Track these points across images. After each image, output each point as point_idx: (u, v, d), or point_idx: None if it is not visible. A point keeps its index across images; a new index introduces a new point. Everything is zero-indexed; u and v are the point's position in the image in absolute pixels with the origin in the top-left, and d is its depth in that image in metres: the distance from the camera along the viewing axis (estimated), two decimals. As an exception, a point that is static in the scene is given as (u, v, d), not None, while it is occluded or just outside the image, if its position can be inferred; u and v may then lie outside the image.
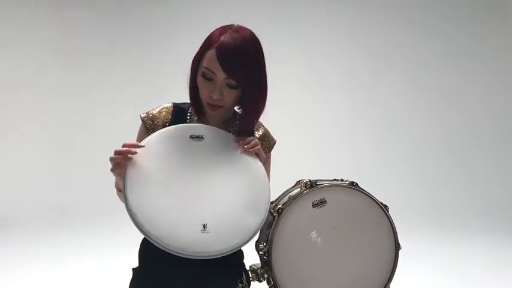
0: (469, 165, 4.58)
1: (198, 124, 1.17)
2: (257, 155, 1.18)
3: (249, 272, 1.18)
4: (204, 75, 1.11)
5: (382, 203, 1.21)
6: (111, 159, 1.02)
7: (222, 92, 1.11)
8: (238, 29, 1.11)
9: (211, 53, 1.08)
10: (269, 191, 1.14)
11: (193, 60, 1.16)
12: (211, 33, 1.13)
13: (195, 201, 1.05)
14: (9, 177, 4.09)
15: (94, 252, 2.95)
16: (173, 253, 0.99)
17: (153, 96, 3.75)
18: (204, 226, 1.02)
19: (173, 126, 1.14)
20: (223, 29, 1.11)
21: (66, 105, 4.64)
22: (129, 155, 1.02)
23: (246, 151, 1.15)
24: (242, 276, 1.19)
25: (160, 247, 0.98)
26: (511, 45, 4.61)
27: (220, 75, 1.09)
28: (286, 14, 4.75)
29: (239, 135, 1.21)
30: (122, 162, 1.02)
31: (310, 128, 4.71)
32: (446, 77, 4.71)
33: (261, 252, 1.13)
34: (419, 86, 4.74)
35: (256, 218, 1.08)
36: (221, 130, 1.17)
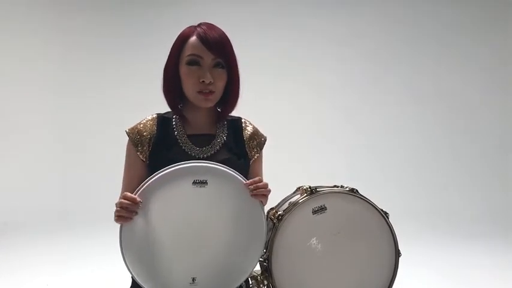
0: (469, 170, 4.58)
1: (203, 164, 1.05)
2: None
3: (249, 279, 1.18)
4: (189, 63, 1.13)
5: (382, 210, 1.21)
6: (116, 211, 1.01)
7: (212, 74, 1.13)
8: (207, 23, 1.18)
9: (193, 40, 1.14)
10: (262, 249, 1.10)
11: (169, 60, 1.19)
12: (182, 31, 1.18)
13: (188, 254, 1.04)
14: (9, 182, 4.09)
15: (94, 258, 2.94)
16: None
17: (160, 98, 3.75)
18: (193, 279, 1.04)
19: (176, 168, 1.03)
20: (192, 26, 1.18)
21: (68, 110, 4.65)
22: (133, 213, 1.00)
23: (252, 195, 1.07)
24: (242, 283, 1.19)
25: None
26: (511, 48, 4.63)
27: (208, 56, 1.12)
28: (283, 20, 4.77)
29: (220, 120, 1.25)
30: (127, 216, 1.00)
31: (310, 134, 4.71)
32: (446, 81, 4.71)
33: (261, 259, 1.13)
34: (418, 91, 4.75)
35: (242, 277, 1.09)
36: (227, 170, 1.07)
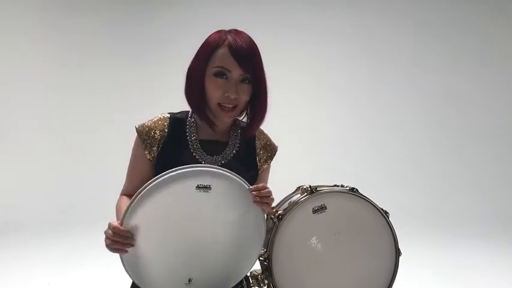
0: (471, 169, 4.57)
1: (207, 169, 1.02)
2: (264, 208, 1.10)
3: (250, 278, 1.18)
4: (217, 74, 1.10)
5: (382, 209, 1.21)
6: (107, 244, 0.96)
7: (237, 89, 1.11)
8: (237, 31, 1.14)
9: (222, 51, 1.10)
10: (258, 254, 1.12)
11: (195, 65, 1.14)
12: (210, 36, 1.14)
13: (186, 256, 1.03)
14: (10, 181, 4.10)
15: (95, 257, 2.95)
16: None
17: (159, 98, 3.76)
18: (190, 280, 1.04)
19: (179, 171, 0.98)
20: (222, 32, 1.14)
21: (68, 109, 4.65)
22: (126, 248, 0.96)
23: (255, 202, 1.06)
24: (243, 282, 1.19)
25: None
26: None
27: (236, 71, 1.10)
28: (287, 18, 4.77)
29: (245, 137, 1.24)
30: (120, 248, 0.96)
31: (311, 133, 4.71)
32: (450, 80, 4.70)
33: (261, 258, 1.13)
34: (422, 89, 4.74)
35: (236, 279, 1.11)
36: (231, 175, 1.05)
